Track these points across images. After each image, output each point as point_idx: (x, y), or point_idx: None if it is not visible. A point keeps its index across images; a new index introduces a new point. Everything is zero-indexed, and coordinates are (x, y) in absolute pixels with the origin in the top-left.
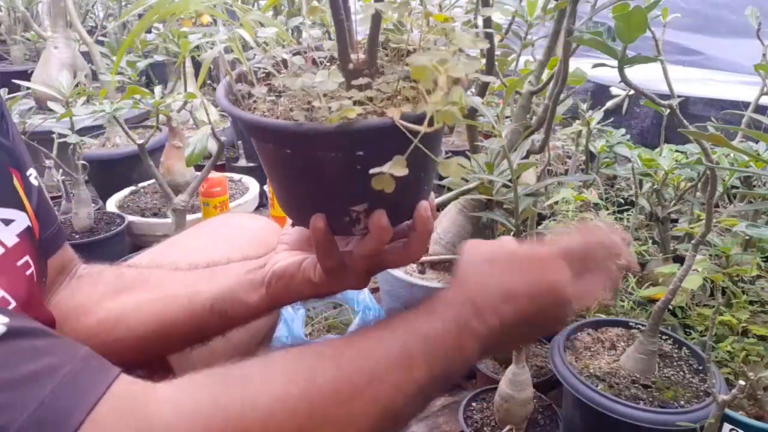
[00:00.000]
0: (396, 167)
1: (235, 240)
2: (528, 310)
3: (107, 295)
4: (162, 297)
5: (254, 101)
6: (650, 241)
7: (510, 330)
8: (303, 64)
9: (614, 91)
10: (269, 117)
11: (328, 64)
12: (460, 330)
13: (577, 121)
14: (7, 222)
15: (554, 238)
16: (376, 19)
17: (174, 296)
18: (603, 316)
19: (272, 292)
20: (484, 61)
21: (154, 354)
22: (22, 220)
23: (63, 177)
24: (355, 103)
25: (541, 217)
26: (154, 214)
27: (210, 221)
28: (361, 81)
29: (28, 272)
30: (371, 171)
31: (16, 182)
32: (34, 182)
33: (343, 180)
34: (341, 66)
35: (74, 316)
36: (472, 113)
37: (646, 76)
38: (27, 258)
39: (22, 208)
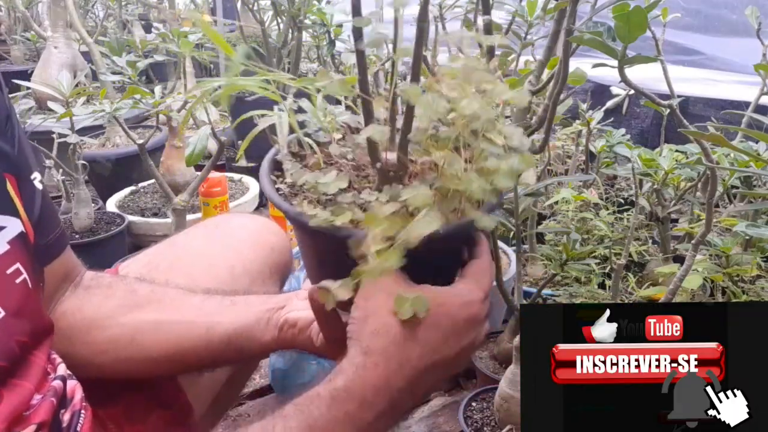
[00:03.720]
0: (342, 291)
1: (235, 240)
2: (444, 374)
3: (120, 311)
4: (179, 322)
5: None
6: (650, 241)
7: (422, 396)
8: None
9: (614, 91)
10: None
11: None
12: None
13: (577, 121)
14: None
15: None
16: (410, 114)
17: (191, 323)
18: None
19: (282, 337)
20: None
21: (163, 375)
22: (13, 227)
23: (63, 177)
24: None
25: (541, 217)
26: (154, 214)
27: (210, 221)
28: (387, 196)
29: (19, 280)
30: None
31: (9, 187)
32: (38, 186)
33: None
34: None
35: (84, 329)
36: None
37: (646, 75)
38: (18, 266)
39: (15, 213)
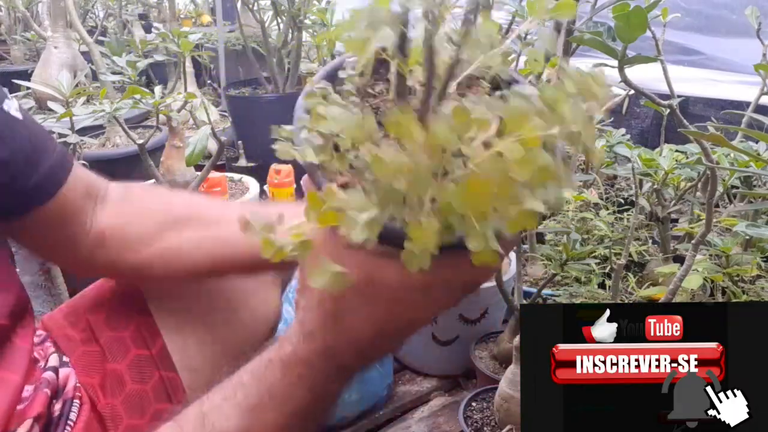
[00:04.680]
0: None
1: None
2: (395, 345)
3: (162, 228)
4: (220, 237)
5: None
6: (650, 241)
7: (371, 363)
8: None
9: (614, 90)
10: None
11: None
12: (317, 399)
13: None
14: None
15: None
16: None
17: (232, 238)
18: None
19: None
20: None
21: (211, 277)
22: None
23: None
24: None
25: (542, 217)
26: None
27: None
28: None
29: None
30: None
31: None
32: (17, 114)
33: None
34: None
35: (132, 243)
36: None
37: (646, 75)
38: None
39: None
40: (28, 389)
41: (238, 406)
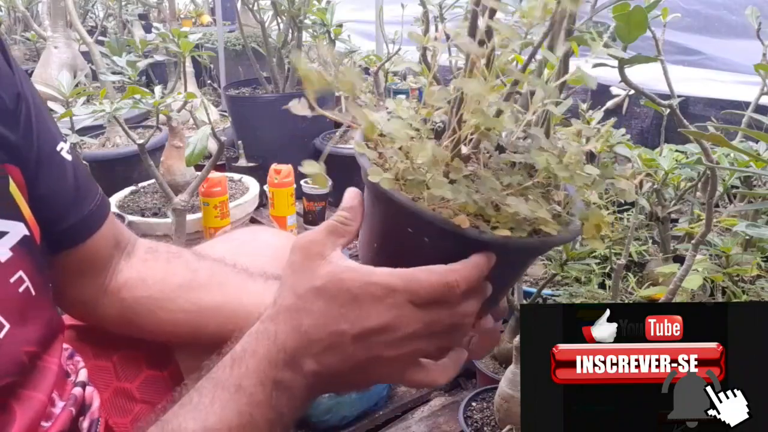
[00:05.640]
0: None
1: (262, 259)
2: (358, 356)
3: (182, 293)
4: (240, 309)
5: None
6: (650, 241)
7: (336, 375)
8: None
9: (614, 91)
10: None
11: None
12: (269, 390)
13: (577, 121)
14: None
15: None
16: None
17: (253, 312)
18: None
19: None
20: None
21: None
22: (16, 231)
23: None
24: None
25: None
26: (154, 214)
27: (236, 235)
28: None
29: (22, 289)
30: None
31: (12, 184)
32: (67, 156)
33: (433, 259)
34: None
35: (148, 307)
36: None
37: (646, 76)
38: (20, 273)
39: (17, 215)
40: (60, 405)
41: (195, 409)
